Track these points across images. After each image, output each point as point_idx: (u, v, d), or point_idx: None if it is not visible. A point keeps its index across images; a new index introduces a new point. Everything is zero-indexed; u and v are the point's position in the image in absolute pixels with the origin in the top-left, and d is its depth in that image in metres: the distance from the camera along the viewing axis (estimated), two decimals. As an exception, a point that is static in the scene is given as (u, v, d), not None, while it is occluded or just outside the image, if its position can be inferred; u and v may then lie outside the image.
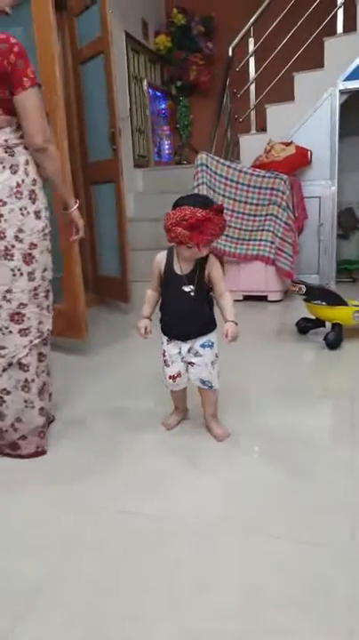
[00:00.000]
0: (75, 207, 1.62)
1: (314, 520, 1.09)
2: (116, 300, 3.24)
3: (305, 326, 2.45)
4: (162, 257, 1.43)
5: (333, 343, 2.20)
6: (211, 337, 1.45)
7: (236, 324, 1.38)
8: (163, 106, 5.14)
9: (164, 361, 1.48)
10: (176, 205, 1.32)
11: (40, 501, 1.23)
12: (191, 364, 1.45)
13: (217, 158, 3.11)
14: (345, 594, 0.88)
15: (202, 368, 1.44)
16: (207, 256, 1.40)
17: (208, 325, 1.44)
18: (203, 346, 1.43)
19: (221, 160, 3.12)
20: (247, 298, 3.36)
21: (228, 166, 3.10)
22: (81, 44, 2.98)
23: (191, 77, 4.92)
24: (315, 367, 2.16)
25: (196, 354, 1.44)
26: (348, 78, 3.46)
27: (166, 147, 5.26)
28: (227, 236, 3.17)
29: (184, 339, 1.44)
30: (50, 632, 0.85)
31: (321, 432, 1.54)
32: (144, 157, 4.76)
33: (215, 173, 3.08)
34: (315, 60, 3.53)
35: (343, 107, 3.56)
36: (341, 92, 3.49)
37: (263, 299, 3.30)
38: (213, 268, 1.40)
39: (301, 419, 1.61)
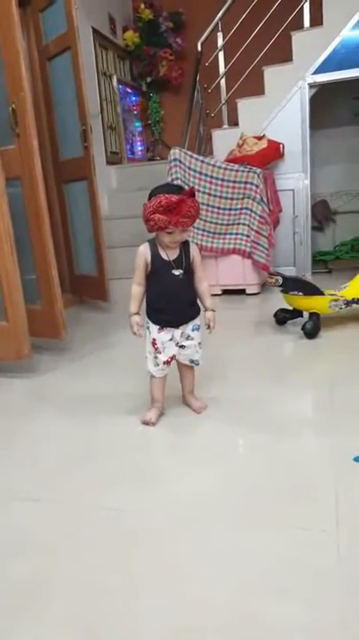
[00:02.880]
0: None
1: (300, 506, 1.10)
2: (95, 299, 3.21)
3: (283, 317, 2.47)
4: (145, 248, 1.47)
5: (311, 332, 2.23)
6: (198, 319, 1.54)
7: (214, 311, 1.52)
8: (133, 102, 5.11)
9: (156, 349, 1.52)
10: (151, 195, 1.39)
11: (28, 501, 1.21)
12: (182, 346, 1.54)
13: (190, 153, 3.11)
14: (334, 578, 0.89)
15: (192, 350, 1.55)
16: (188, 242, 1.49)
17: (196, 308, 1.54)
18: (193, 329, 1.53)
19: (194, 155, 3.12)
20: (225, 292, 3.38)
21: (202, 161, 3.11)
22: (46, 39, 2.94)
23: (161, 73, 4.90)
24: (294, 356, 2.18)
25: (188, 337, 1.53)
26: (317, 71, 3.50)
27: (138, 143, 5.23)
28: (203, 230, 3.17)
29: (177, 325, 1.51)
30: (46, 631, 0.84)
31: (302, 419, 1.56)
32: (116, 154, 4.73)
33: (189, 168, 3.07)
34: (283, 53, 3.56)
35: (314, 99, 3.60)
36: (310, 86, 3.54)
37: (241, 292, 3.32)
38: (196, 254, 1.51)
39: (282, 407, 1.62)
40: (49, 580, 0.96)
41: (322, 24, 3.43)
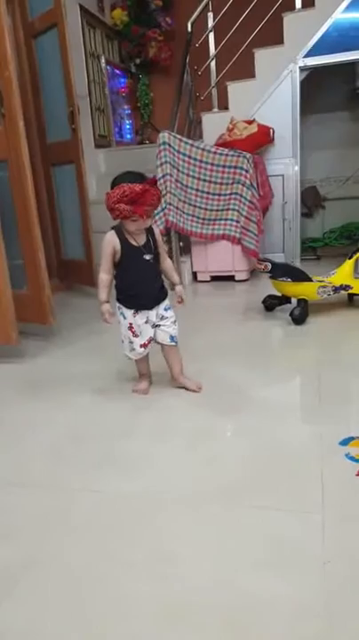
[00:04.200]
0: None
1: (286, 488, 1.12)
2: (83, 285, 3.18)
3: (271, 303, 2.48)
4: (112, 236, 1.50)
5: (299, 318, 2.24)
6: (168, 299, 1.61)
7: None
8: (122, 84, 5.01)
9: (133, 333, 1.57)
10: (114, 184, 1.42)
11: (13, 486, 1.21)
12: (158, 326, 1.59)
13: (179, 137, 3.06)
14: (318, 557, 0.91)
15: (169, 327, 1.60)
16: (152, 227, 1.54)
17: (165, 289, 1.60)
18: (165, 309, 1.59)
19: (184, 139, 3.08)
20: (214, 278, 3.38)
21: (191, 145, 3.07)
22: (32, 16, 2.85)
23: (150, 54, 4.80)
24: (281, 342, 2.20)
25: (162, 317, 1.59)
26: (308, 55, 3.45)
27: (127, 126, 5.14)
28: (193, 216, 3.15)
29: (151, 307, 1.55)
30: (30, 615, 0.84)
31: (289, 404, 1.58)
32: (105, 137, 4.64)
33: (178, 152, 3.04)
34: (274, 36, 3.50)
35: (305, 84, 3.57)
36: (301, 69, 3.49)
37: (230, 279, 3.32)
38: (158, 235, 1.56)
39: (270, 391, 1.64)
40: (35, 564, 0.96)
41: (314, 5, 3.38)
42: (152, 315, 1.57)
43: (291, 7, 3.47)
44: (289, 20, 3.45)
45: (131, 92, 5.07)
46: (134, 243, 1.50)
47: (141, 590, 0.88)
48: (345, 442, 1.28)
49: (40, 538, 1.03)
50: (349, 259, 2.42)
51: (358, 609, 0.80)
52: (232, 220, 3.16)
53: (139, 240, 1.51)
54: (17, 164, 2.02)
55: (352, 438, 1.30)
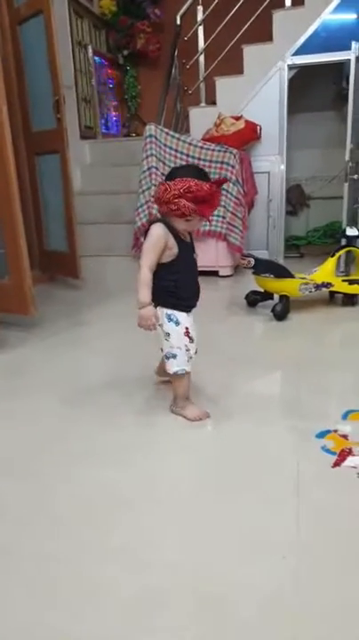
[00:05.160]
0: None
1: (262, 479, 1.13)
2: (65, 277, 3.15)
3: (254, 299, 2.49)
4: (163, 230, 1.30)
5: (280, 314, 2.26)
6: None
7: None
8: (109, 75, 4.96)
9: (189, 338, 1.38)
10: (173, 176, 1.26)
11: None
12: None
13: (166, 130, 3.05)
14: (293, 545, 0.93)
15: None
16: None
17: None
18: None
19: (171, 132, 3.07)
20: (199, 273, 3.37)
21: (178, 138, 3.06)
22: (18, 2, 2.80)
23: (138, 46, 4.76)
24: (262, 337, 2.21)
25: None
26: (297, 53, 3.47)
27: (114, 118, 5.10)
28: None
29: (195, 306, 1.42)
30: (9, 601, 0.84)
31: (268, 398, 1.59)
32: (91, 129, 4.60)
33: (164, 145, 3.03)
34: (264, 32, 3.51)
35: (293, 83, 3.58)
36: (290, 67, 3.51)
37: (214, 274, 3.33)
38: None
39: (250, 385, 1.65)
40: (12, 548, 0.95)
41: (303, 4, 3.40)
42: (191, 317, 1.41)
43: (281, 4, 3.48)
44: (278, 17, 3.46)
45: (118, 83, 5.03)
46: (184, 239, 1.35)
47: (116, 577, 0.88)
48: (321, 434, 1.30)
49: (18, 526, 1.03)
50: (331, 256, 2.45)
51: (329, 597, 0.82)
52: (218, 215, 3.16)
53: (186, 237, 1.36)
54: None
55: (329, 431, 1.31)
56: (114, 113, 5.08)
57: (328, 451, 1.22)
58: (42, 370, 1.86)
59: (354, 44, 2.97)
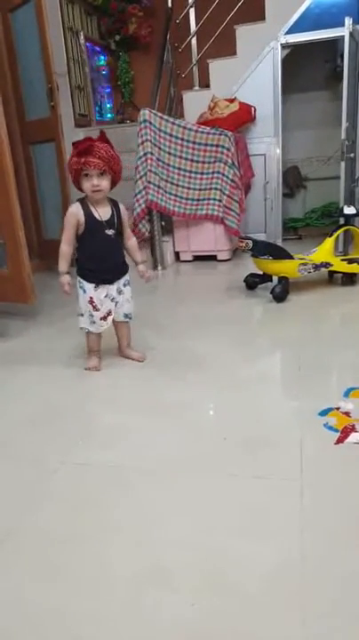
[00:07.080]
0: None
1: (266, 456, 1.15)
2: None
3: (253, 281, 2.50)
4: (76, 208, 1.51)
5: (280, 296, 2.26)
6: (128, 275, 1.64)
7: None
8: (102, 62, 4.90)
9: (93, 307, 1.60)
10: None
11: (-5, 463, 1.22)
12: (116, 302, 1.63)
13: (160, 115, 3.03)
14: (296, 520, 0.94)
15: (125, 304, 1.65)
16: (118, 203, 1.57)
17: (126, 265, 1.64)
18: (124, 284, 1.63)
19: (165, 116, 3.05)
20: (197, 258, 3.38)
21: (172, 123, 3.03)
22: (8, -12, 2.76)
23: (130, 31, 4.69)
24: (262, 319, 2.22)
25: (120, 292, 1.63)
26: (290, 31, 3.42)
27: (108, 105, 5.04)
28: (175, 195, 3.13)
29: (110, 281, 1.59)
30: (11, 582, 0.86)
31: (270, 377, 1.61)
32: (85, 117, 4.55)
33: (159, 130, 3.00)
34: (256, 12, 3.45)
35: (287, 62, 3.54)
36: (283, 46, 3.46)
37: (212, 258, 3.33)
38: (124, 213, 1.58)
39: (251, 366, 1.66)
40: (15, 530, 0.97)
41: (295, -19, 3.34)
42: (112, 289, 1.61)
43: (273, -18, 3.42)
44: (270, -5, 3.40)
45: (111, 70, 4.96)
46: (98, 217, 1.51)
47: (119, 555, 0.89)
48: (324, 412, 1.32)
49: (19, 509, 1.04)
50: (330, 236, 2.44)
51: (334, 572, 0.83)
52: (215, 199, 3.15)
53: (104, 214, 1.52)
54: (-6, 139, 1.98)
55: (331, 409, 1.33)
56: (108, 100, 5.02)
57: (331, 428, 1.24)
58: (41, 356, 1.88)
59: (347, 20, 2.93)
